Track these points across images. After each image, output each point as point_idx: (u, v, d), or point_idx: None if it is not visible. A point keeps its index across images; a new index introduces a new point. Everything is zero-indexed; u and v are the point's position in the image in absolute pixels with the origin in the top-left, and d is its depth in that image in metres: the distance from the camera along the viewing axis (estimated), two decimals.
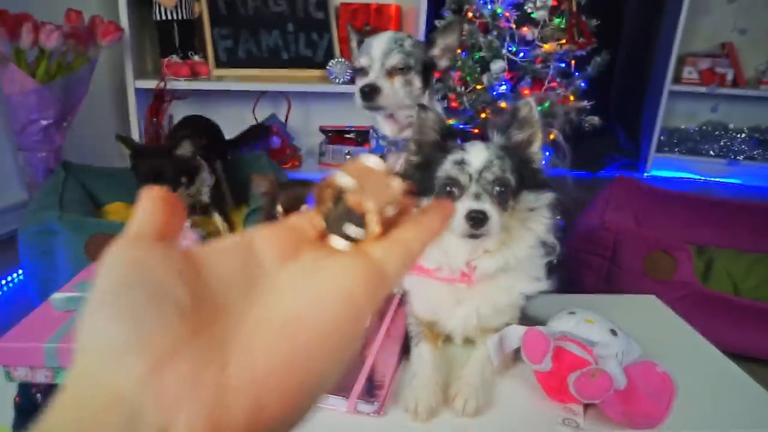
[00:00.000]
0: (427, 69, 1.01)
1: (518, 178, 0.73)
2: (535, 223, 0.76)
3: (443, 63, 1.02)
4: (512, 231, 0.75)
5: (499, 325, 0.80)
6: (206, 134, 1.91)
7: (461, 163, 0.73)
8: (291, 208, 0.99)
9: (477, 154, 0.72)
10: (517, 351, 0.76)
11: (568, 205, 0.78)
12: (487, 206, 0.70)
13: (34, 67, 1.84)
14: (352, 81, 2.39)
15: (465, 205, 0.70)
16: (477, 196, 0.71)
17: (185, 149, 1.52)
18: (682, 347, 0.91)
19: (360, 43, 1.04)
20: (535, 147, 0.74)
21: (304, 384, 0.22)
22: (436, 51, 1.02)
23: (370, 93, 0.94)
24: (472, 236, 0.70)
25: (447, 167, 0.73)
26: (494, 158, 0.72)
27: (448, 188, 0.73)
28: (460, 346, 0.85)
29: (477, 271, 0.76)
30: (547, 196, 0.75)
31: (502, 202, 0.72)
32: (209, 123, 2.03)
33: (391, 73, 0.96)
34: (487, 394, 0.74)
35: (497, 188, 0.71)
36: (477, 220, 0.68)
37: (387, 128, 1.05)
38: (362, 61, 0.99)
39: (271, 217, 1.05)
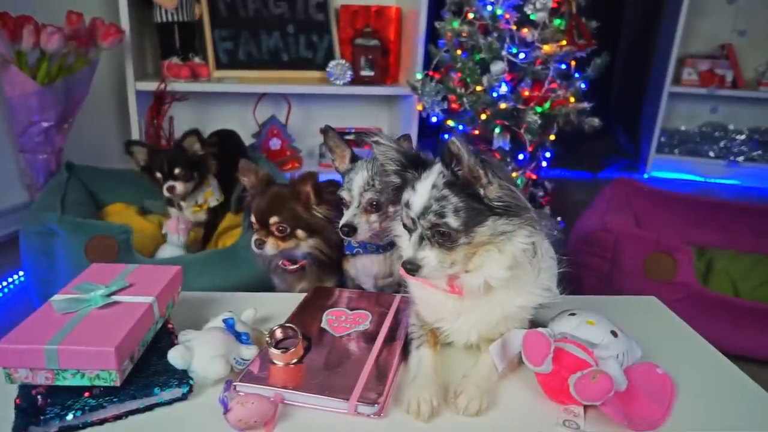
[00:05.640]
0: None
1: (469, 213, 0.73)
2: (508, 245, 0.75)
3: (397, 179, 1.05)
4: (486, 254, 0.75)
5: (502, 333, 0.81)
6: (232, 148, 1.93)
7: (407, 206, 0.76)
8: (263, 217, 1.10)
9: (418, 198, 0.75)
10: (520, 354, 0.76)
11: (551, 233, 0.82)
12: (426, 252, 0.74)
13: (35, 69, 1.84)
14: (352, 83, 2.40)
15: (405, 252, 0.77)
16: (420, 240, 0.75)
17: (191, 143, 1.65)
18: (683, 348, 0.91)
19: (352, 159, 1.12)
20: (483, 180, 0.72)
21: None
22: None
23: (348, 232, 1.06)
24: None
25: (403, 204, 0.78)
26: (433, 201, 0.73)
27: (405, 226, 0.80)
28: (461, 351, 0.85)
29: (464, 287, 0.77)
30: (519, 221, 0.74)
31: (444, 244, 0.74)
32: (236, 140, 2.04)
33: (366, 209, 1.07)
34: (491, 398, 0.74)
35: (436, 234, 0.74)
36: (411, 270, 0.75)
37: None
38: (345, 195, 1.09)
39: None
